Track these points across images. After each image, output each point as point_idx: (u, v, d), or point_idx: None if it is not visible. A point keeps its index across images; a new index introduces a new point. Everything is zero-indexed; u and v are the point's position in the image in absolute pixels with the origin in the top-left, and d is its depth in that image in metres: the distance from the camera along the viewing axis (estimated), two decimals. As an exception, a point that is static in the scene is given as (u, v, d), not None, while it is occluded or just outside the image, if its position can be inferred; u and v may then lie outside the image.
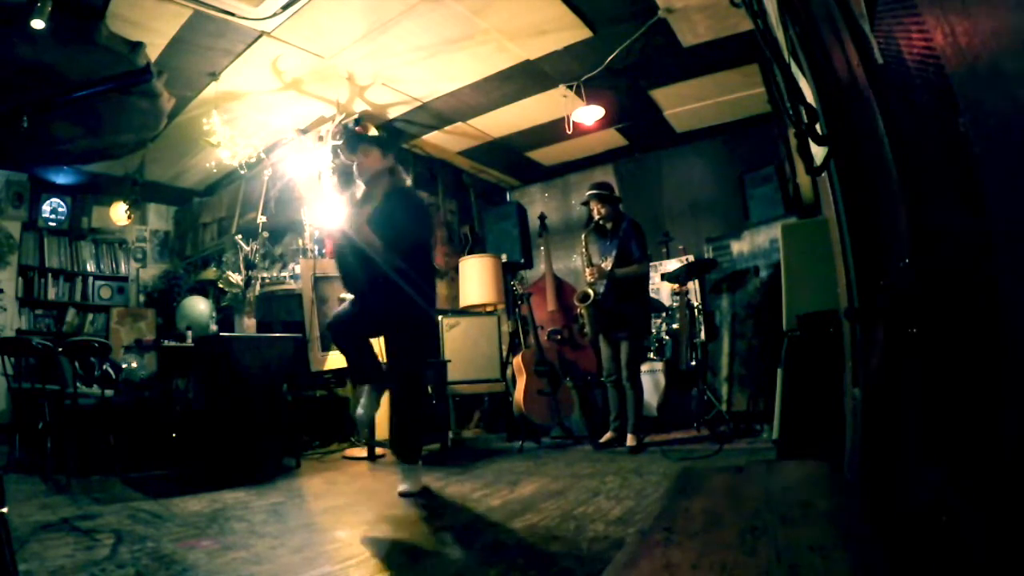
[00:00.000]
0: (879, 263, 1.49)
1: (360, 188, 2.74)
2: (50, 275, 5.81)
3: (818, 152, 1.81)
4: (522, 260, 5.60)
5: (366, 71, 4.34)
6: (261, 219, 4.90)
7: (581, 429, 4.39)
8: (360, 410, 2.71)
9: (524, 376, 4.13)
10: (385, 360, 2.81)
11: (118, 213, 5.66)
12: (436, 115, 5.14)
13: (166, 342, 3.77)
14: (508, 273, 5.31)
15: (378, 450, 3.92)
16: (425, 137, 5.59)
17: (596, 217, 3.86)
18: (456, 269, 5.56)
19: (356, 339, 2.70)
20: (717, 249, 5.12)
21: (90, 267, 6.14)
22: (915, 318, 1.16)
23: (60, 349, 3.41)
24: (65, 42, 3.14)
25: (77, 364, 3.70)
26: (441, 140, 5.69)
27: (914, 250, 1.08)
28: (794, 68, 1.87)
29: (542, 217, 5.02)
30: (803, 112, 1.61)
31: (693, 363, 4.35)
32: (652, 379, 4.57)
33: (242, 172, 4.74)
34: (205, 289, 5.76)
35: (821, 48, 1.60)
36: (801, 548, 1.26)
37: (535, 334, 4.37)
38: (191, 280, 6.21)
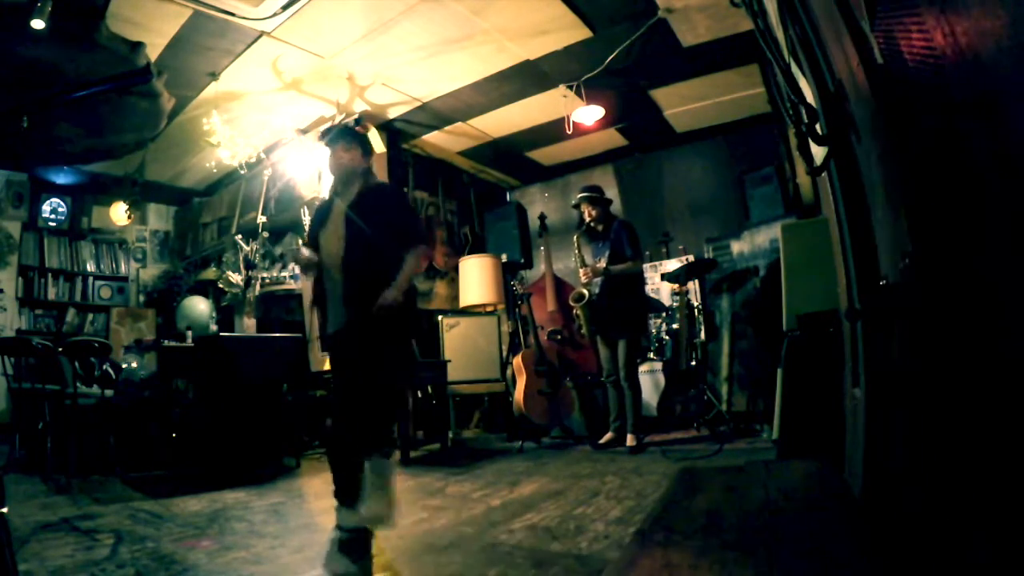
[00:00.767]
0: (879, 263, 1.49)
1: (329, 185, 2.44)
2: (50, 275, 5.81)
3: (818, 152, 1.81)
4: (522, 260, 5.60)
5: (366, 71, 4.34)
6: (261, 219, 4.90)
7: (581, 429, 4.39)
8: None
9: (524, 376, 4.13)
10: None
11: (118, 213, 5.66)
12: (436, 115, 5.14)
13: (166, 342, 3.77)
14: (508, 273, 5.30)
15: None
16: (425, 137, 5.59)
17: (587, 219, 3.88)
18: (456, 269, 5.56)
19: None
20: (717, 249, 5.12)
21: (90, 267, 6.14)
22: (915, 318, 1.16)
23: (60, 349, 3.42)
24: (65, 42, 3.13)
25: (77, 364, 3.70)
26: (441, 140, 5.69)
27: (914, 250, 1.08)
28: (794, 68, 1.87)
29: (542, 217, 5.02)
30: (803, 112, 1.61)
31: (693, 363, 4.35)
32: (652, 379, 4.57)
33: (242, 172, 4.74)
34: (205, 289, 5.76)
35: (821, 48, 1.60)
36: (800, 549, 1.26)
37: (535, 334, 4.37)
38: (191, 280, 6.21)
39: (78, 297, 6.00)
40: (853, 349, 1.92)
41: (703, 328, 4.61)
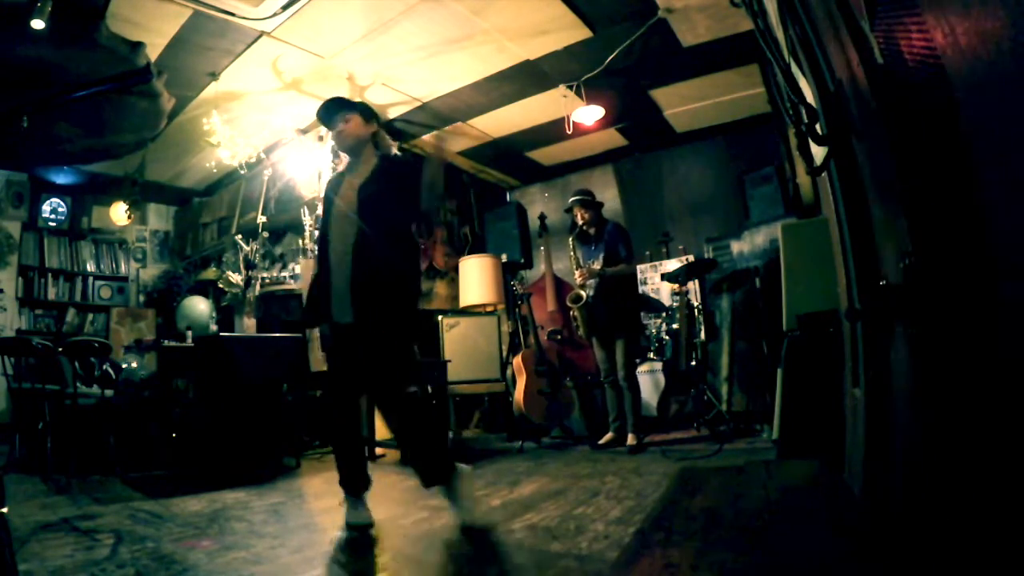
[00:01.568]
0: (879, 263, 1.49)
1: (344, 161, 2.37)
2: (50, 275, 5.82)
3: (818, 152, 1.81)
4: (522, 260, 5.60)
5: (366, 71, 4.34)
6: (261, 219, 4.90)
7: (581, 429, 4.39)
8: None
9: (524, 376, 4.13)
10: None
11: (118, 213, 5.66)
12: (436, 115, 5.14)
13: (166, 342, 3.76)
14: (508, 273, 5.30)
15: (378, 450, 3.92)
16: (425, 137, 5.59)
17: (580, 222, 3.89)
18: (456, 269, 5.56)
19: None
20: (717, 249, 5.12)
21: (90, 267, 6.15)
22: (915, 318, 1.16)
23: (60, 349, 3.41)
24: (65, 42, 3.13)
25: (77, 364, 3.70)
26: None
27: (914, 250, 1.08)
28: (794, 68, 1.87)
29: (542, 217, 5.02)
30: (803, 112, 1.61)
31: (693, 363, 4.35)
32: (652, 379, 4.57)
33: (242, 172, 4.74)
34: (205, 289, 5.76)
35: (821, 48, 1.60)
36: (801, 549, 1.26)
37: (535, 334, 4.37)
38: (191, 280, 6.21)
39: (78, 297, 6.00)
40: (853, 349, 1.92)
41: (703, 328, 4.61)
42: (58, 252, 5.92)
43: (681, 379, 4.49)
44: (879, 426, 1.52)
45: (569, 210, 3.96)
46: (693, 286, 4.56)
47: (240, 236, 4.98)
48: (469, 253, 5.87)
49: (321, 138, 4.80)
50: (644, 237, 5.44)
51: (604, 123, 5.15)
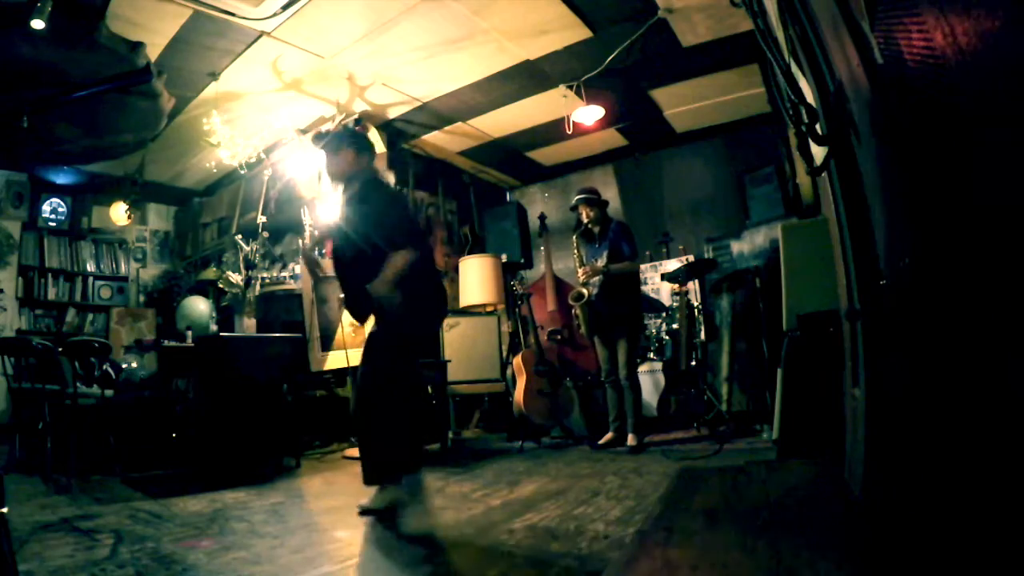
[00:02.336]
0: (879, 263, 1.49)
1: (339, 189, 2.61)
2: (50, 275, 5.81)
3: (818, 152, 1.81)
4: (522, 260, 5.60)
5: (366, 71, 4.34)
6: (261, 219, 4.90)
7: (581, 429, 4.39)
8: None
9: (524, 376, 4.13)
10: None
11: (118, 213, 5.66)
12: (436, 115, 5.14)
13: (166, 342, 3.77)
14: (508, 273, 5.30)
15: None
16: (425, 137, 5.59)
17: (584, 221, 3.89)
18: (456, 269, 5.56)
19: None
20: (717, 249, 5.13)
21: (90, 267, 6.14)
22: (915, 318, 1.16)
23: (60, 349, 3.41)
24: (65, 42, 3.13)
25: (77, 364, 3.70)
26: (441, 140, 5.69)
27: (914, 250, 1.08)
28: (794, 68, 1.87)
29: (542, 217, 5.02)
30: (803, 112, 1.61)
31: (693, 363, 4.35)
32: (652, 379, 4.57)
33: (242, 172, 4.74)
34: (205, 289, 5.76)
35: (821, 48, 1.60)
36: (801, 549, 1.26)
37: (535, 334, 4.37)
38: (191, 280, 6.21)
39: (78, 297, 6.00)
40: (853, 349, 1.92)
41: (703, 328, 4.61)
42: (58, 252, 5.92)
43: (681, 379, 4.49)
44: (880, 427, 1.52)
45: (574, 208, 3.96)
46: (693, 286, 4.56)
47: (240, 236, 4.98)
48: (469, 253, 5.87)
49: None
50: (644, 237, 5.43)
51: (604, 123, 5.15)
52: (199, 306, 5.62)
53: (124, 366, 3.96)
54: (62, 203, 5.97)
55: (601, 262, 3.78)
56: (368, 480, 2.30)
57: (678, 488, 2.14)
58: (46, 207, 5.86)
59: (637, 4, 3.68)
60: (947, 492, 1.02)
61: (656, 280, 5.21)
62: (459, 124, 5.35)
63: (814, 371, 2.54)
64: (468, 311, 5.13)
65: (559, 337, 4.67)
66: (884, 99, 1.16)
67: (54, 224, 5.91)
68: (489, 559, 1.71)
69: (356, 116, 4.83)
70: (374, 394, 2.31)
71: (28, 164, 5.53)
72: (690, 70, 4.57)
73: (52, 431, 3.22)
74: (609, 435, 3.80)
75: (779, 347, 2.84)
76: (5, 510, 1.06)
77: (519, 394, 4.11)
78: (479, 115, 5.19)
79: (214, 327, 5.30)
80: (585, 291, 3.80)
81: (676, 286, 4.45)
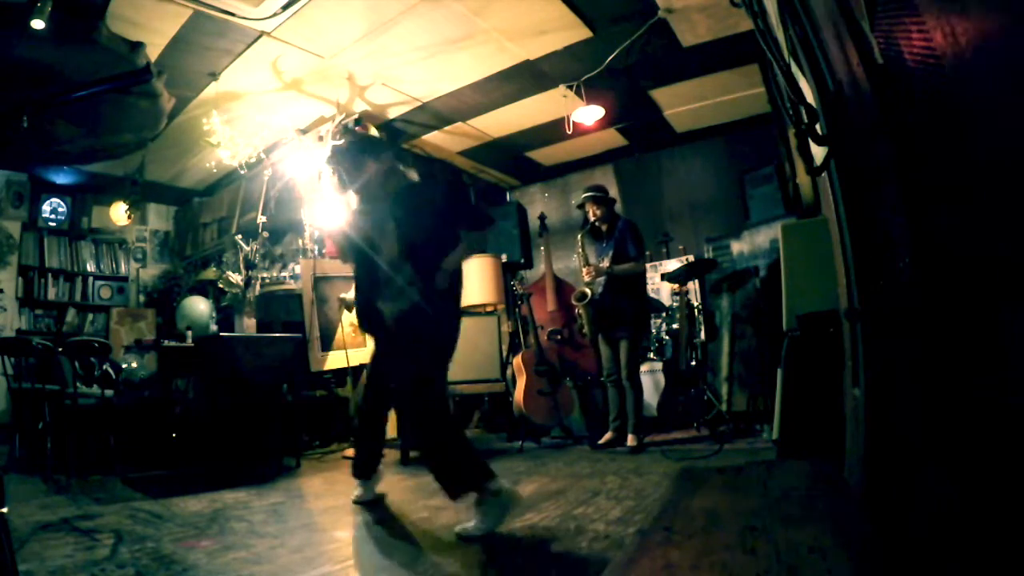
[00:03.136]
0: (879, 263, 1.49)
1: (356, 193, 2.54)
2: (50, 275, 5.81)
3: (818, 152, 1.81)
4: (522, 260, 5.59)
5: (366, 71, 4.34)
6: (261, 219, 4.90)
7: (581, 429, 4.39)
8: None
9: (524, 376, 4.13)
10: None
11: (118, 213, 5.66)
12: (436, 115, 5.14)
13: (166, 342, 3.77)
14: (508, 273, 5.30)
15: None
16: (425, 137, 5.59)
17: (592, 219, 3.87)
18: (456, 269, 5.55)
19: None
20: (717, 249, 5.12)
21: (90, 267, 6.14)
22: (915, 318, 1.16)
23: (60, 349, 3.42)
24: (65, 42, 3.13)
25: (77, 364, 3.70)
26: (441, 140, 5.69)
27: (914, 250, 1.08)
28: (794, 68, 1.87)
29: (542, 217, 5.02)
30: (803, 112, 1.61)
31: (693, 363, 4.35)
32: (652, 379, 4.56)
33: (242, 172, 4.74)
34: (205, 289, 5.76)
35: (821, 48, 1.60)
36: (801, 549, 1.26)
37: (535, 334, 4.37)
38: (191, 280, 6.20)
39: (78, 297, 6.00)
40: (853, 349, 1.92)
41: (703, 328, 4.61)
42: (58, 252, 5.92)
43: (681, 379, 4.49)
44: (880, 427, 1.52)
45: (581, 206, 3.95)
46: (693, 286, 4.56)
47: (240, 236, 4.98)
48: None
49: (321, 138, 4.80)
50: (644, 237, 5.43)
51: (604, 123, 5.14)
52: (199, 306, 5.62)
53: (124, 366, 3.96)
54: (62, 203, 5.96)
55: (606, 261, 3.77)
56: (457, 494, 2.04)
57: (678, 488, 2.13)
58: (46, 207, 5.86)
59: (637, 4, 3.68)
60: (947, 491, 1.02)
61: (656, 280, 5.21)
62: (459, 124, 5.35)
63: (814, 371, 2.54)
64: (468, 311, 5.12)
65: (559, 337, 4.67)
66: (884, 99, 1.16)
67: (54, 224, 5.91)
68: (489, 559, 1.71)
69: (356, 116, 4.83)
70: (437, 404, 2.23)
71: (28, 164, 5.53)
72: (690, 70, 4.57)
73: (52, 431, 3.22)
74: (609, 435, 3.79)
75: (779, 347, 2.83)
76: (5, 510, 1.06)
77: (519, 394, 4.11)
78: (479, 115, 5.18)
79: (214, 327, 5.30)
80: (588, 291, 3.79)
81: (676, 286, 4.45)
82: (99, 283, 6.17)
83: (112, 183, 5.74)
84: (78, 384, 3.40)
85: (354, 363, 4.17)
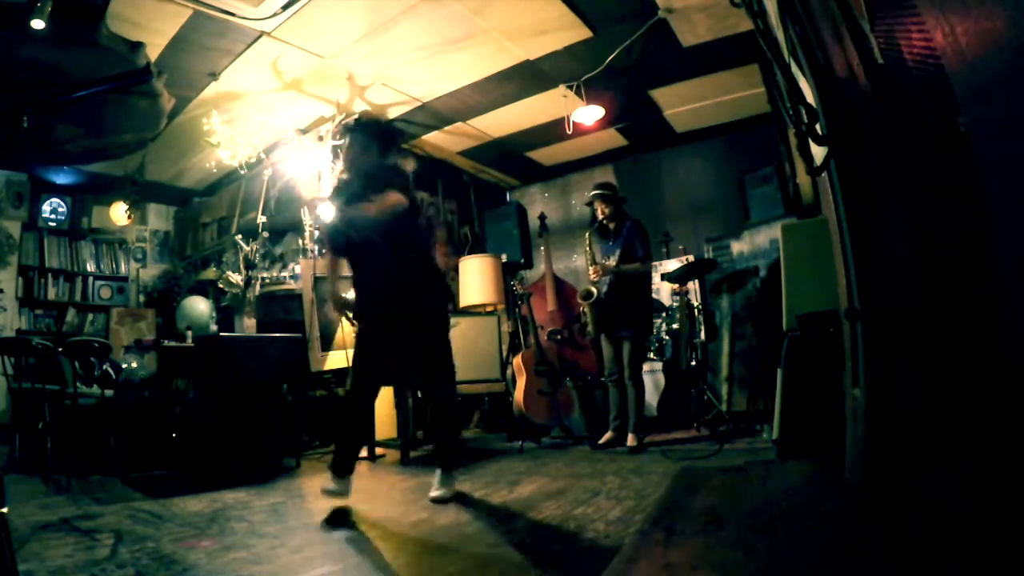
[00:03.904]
0: (879, 263, 1.49)
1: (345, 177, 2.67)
2: (50, 275, 5.81)
3: (818, 152, 1.81)
4: (522, 260, 5.59)
5: (366, 71, 4.34)
6: (261, 219, 4.90)
7: (581, 429, 4.39)
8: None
9: (524, 376, 4.13)
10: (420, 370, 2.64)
11: (118, 213, 5.66)
12: (436, 115, 5.14)
13: (166, 342, 3.77)
14: (508, 273, 5.30)
15: (378, 450, 3.92)
16: (425, 137, 5.59)
17: (600, 217, 3.85)
18: (456, 269, 5.56)
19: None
20: (717, 249, 5.12)
21: (90, 267, 6.14)
22: (915, 318, 1.16)
23: (60, 349, 3.41)
24: (65, 42, 3.14)
25: (77, 364, 3.70)
26: (441, 140, 5.69)
27: (914, 250, 1.08)
28: (794, 68, 1.87)
29: (542, 217, 5.02)
30: (803, 112, 1.61)
31: (693, 363, 4.35)
32: (652, 379, 4.56)
33: (242, 172, 4.74)
34: (205, 289, 5.76)
35: (821, 48, 1.60)
36: (801, 549, 1.26)
37: (535, 334, 4.37)
38: (191, 280, 6.20)
39: (78, 297, 6.00)
40: (853, 349, 1.92)
41: (703, 328, 4.61)
42: (58, 252, 5.92)
43: (681, 379, 4.49)
44: (880, 426, 1.52)
45: (590, 204, 3.94)
46: (693, 286, 4.56)
47: (240, 236, 4.98)
48: (469, 253, 5.87)
49: (321, 138, 4.80)
50: (645, 237, 5.44)
51: (604, 123, 5.14)
52: (199, 306, 5.62)
53: (124, 366, 3.96)
54: (62, 203, 5.97)
55: (613, 260, 3.75)
56: (451, 468, 2.60)
57: (678, 488, 2.14)
58: (46, 207, 5.86)
59: (637, 4, 3.68)
60: (947, 491, 1.02)
61: (656, 280, 5.21)
62: (459, 124, 5.35)
63: (814, 371, 2.54)
64: (468, 311, 5.12)
65: (559, 337, 4.67)
66: (884, 99, 1.16)
67: (54, 224, 5.91)
68: (489, 559, 1.71)
69: (356, 116, 4.83)
70: (453, 391, 2.68)
71: (28, 164, 5.53)
72: (690, 70, 4.57)
73: (52, 431, 3.22)
74: (609, 434, 3.79)
75: (779, 347, 2.84)
76: (5, 510, 1.06)
77: (519, 394, 4.11)
78: (479, 115, 5.19)
79: (214, 327, 5.30)
80: (594, 289, 3.77)
81: (676, 286, 4.45)
82: (99, 283, 6.17)
83: (112, 183, 5.75)
84: (78, 384, 3.40)
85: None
